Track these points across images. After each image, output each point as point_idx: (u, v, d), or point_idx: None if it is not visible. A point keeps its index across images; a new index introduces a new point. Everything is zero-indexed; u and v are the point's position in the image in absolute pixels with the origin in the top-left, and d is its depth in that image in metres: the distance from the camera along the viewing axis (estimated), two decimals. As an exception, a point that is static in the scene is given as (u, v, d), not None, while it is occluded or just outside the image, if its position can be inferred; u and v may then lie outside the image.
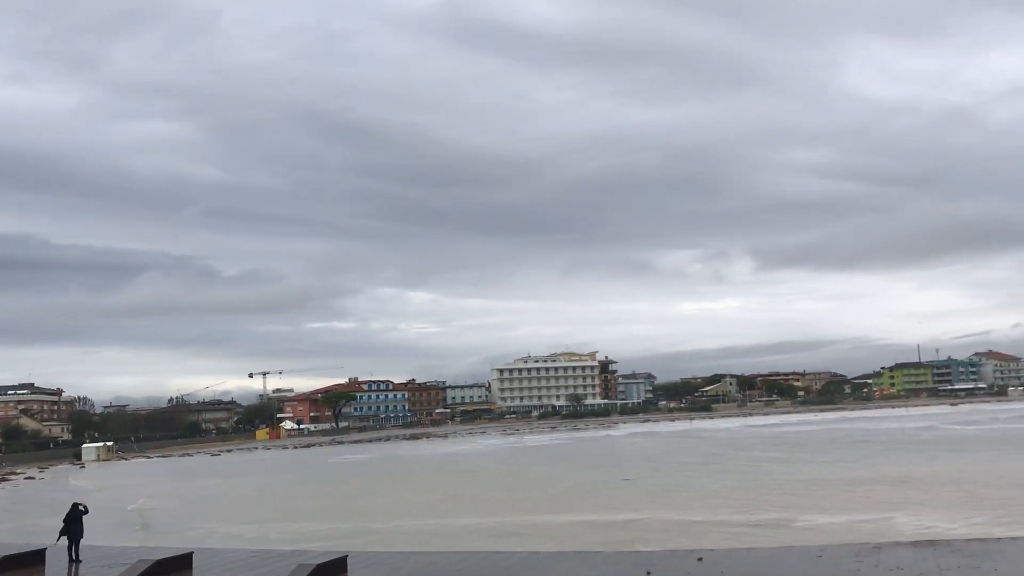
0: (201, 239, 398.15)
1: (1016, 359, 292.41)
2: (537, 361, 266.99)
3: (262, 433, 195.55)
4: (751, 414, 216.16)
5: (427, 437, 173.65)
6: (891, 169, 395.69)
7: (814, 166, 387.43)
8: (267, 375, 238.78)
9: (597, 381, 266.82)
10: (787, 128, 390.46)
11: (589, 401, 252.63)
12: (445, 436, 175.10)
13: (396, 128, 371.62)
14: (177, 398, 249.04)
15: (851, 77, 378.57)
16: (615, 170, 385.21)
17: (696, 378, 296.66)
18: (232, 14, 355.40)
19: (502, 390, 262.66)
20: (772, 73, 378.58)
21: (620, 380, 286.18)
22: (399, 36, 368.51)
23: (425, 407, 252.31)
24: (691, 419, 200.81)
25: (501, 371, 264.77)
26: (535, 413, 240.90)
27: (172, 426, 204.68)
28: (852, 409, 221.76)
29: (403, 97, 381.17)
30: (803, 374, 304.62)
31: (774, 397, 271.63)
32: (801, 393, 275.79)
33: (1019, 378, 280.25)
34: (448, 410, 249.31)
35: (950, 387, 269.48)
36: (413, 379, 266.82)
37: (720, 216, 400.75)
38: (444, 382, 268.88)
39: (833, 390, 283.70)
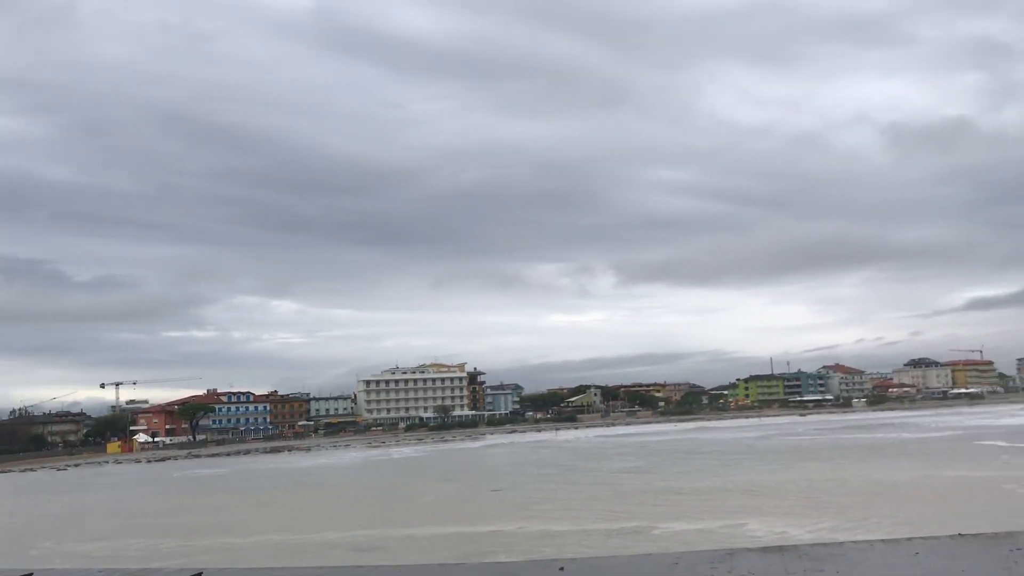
0: (50, 242, 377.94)
1: (860, 372, 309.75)
2: (405, 372, 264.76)
3: (114, 446, 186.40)
4: (614, 424, 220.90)
5: (289, 450, 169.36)
6: (747, 189, 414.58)
7: (677, 185, 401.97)
8: (120, 385, 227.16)
9: (465, 392, 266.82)
10: (653, 147, 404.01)
11: (457, 412, 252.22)
12: (308, 449, 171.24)
13: (262, 132, 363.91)
14: (20, 410, 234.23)
15: (712, 100, 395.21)
16: (486, 182, 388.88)
17: (562, 389, 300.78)
18: (90, 6, 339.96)
19: (368, 402, 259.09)
20: (641, 93, 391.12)
21: (488, 391, 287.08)
22: (267, 39, 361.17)
23: (288, 419, 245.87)
24: (556, 429, 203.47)
25: (367, 383, 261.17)
26: (402, 425, 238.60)
27: (13, 440, 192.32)
28: (709, 419, 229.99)
29: (270, 101, 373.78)
30: (664, 385, 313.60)
31: (636, 407, 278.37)
32: (662, 404, 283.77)
33: (862, 390, 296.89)
34: (312, 423, 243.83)
35: (799, 398, 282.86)
36: (275, 391, 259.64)
37: (587, 230, 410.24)
38: (308, 394, 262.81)
39: (692, 401, 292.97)
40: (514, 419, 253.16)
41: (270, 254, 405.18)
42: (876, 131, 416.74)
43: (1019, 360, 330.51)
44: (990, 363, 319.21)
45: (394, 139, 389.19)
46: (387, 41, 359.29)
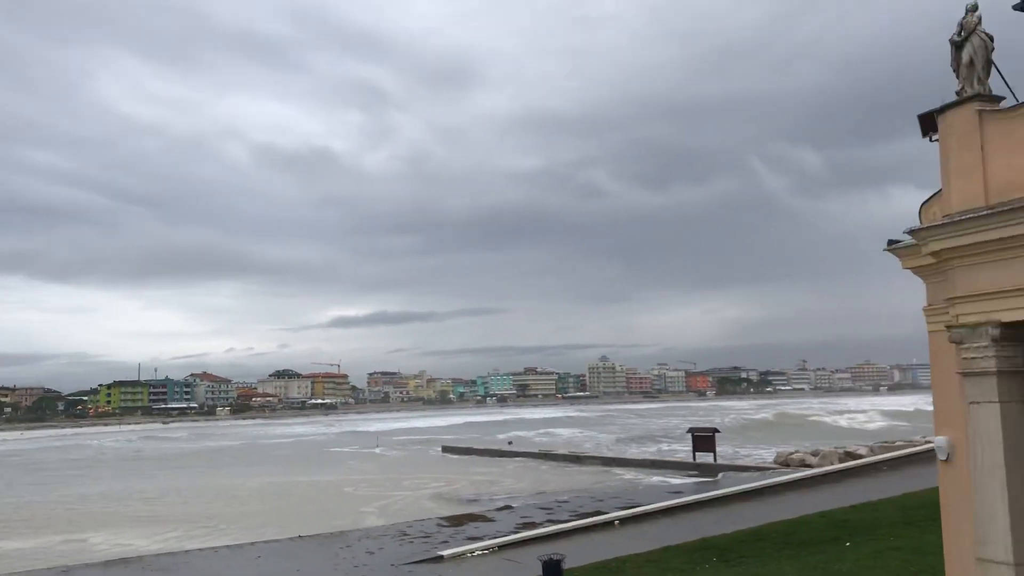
0: None
1: (227, 381, 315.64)
2: None
3: None
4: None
5: None
6: (128, 187, 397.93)
7: (50, 170, 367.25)
8: None
9: None
10: (30, 126, 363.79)
11: None
12: None
13: None
14: None
15: (103, 88, 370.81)
16: None
17: None
18: None
19: None
20: (25, 66, 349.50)
21: None
22: None
23: None
24: None
25: None
26: None
27: None
28: (64, 427, 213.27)
29: None
30: (13, 389, 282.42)
31: None
32: (8, 410, 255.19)
33: (227, 399, 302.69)
34: None
35: (164, 406, 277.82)
36: None
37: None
38: None
39: (46, 407, 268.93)
40: None
41: None
42: (252, 148, 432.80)
43: (370, 374, 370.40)
44: (345, 376, 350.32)
45: None
46: None
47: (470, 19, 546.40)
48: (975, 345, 10.71)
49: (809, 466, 42.46)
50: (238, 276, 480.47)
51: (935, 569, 12.56)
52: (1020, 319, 10.31)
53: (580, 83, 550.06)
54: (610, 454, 67.15)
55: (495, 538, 27.56)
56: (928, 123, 11.54)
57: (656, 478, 48.59)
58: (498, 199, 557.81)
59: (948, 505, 11.99)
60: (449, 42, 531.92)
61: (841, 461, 42.14)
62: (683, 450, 62.99)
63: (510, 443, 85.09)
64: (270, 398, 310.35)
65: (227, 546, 28.49)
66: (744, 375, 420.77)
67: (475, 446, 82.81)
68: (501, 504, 39.22)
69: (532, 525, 30.16)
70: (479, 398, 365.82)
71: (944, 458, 12.02)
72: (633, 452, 69.96)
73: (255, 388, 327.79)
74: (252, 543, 28.69)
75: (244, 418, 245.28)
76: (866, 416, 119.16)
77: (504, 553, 25.46)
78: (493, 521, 32.29)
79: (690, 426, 64.93)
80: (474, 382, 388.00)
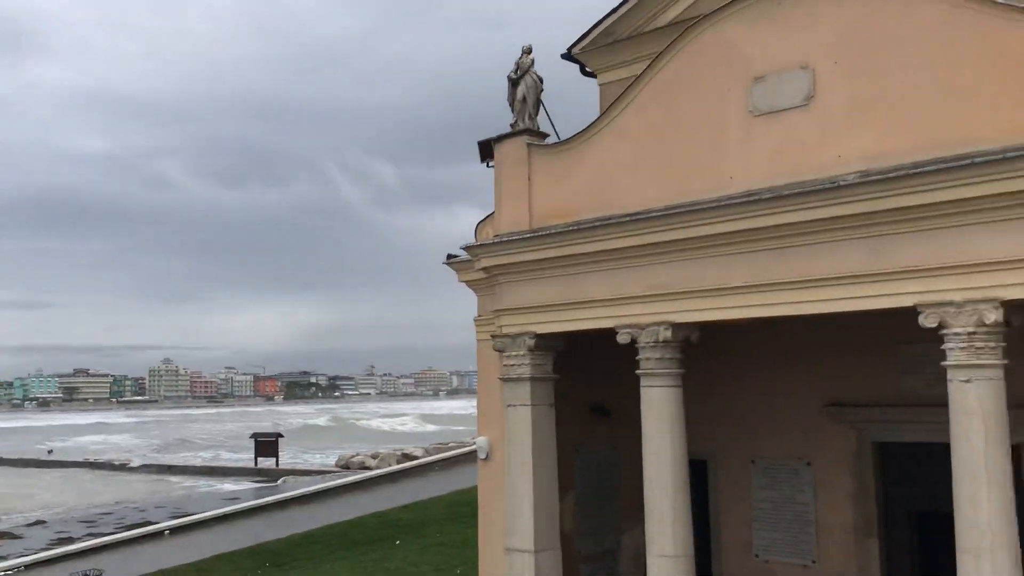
0: None
1: None
2: None
3: None
4: None
5: None
6: None
7: None
8: None
9: None
10: None
11: None
12: None
13: None
14: None
15: None
16: None
17: None
18: None
19: None
20: None
21: None
22: None
23: None
24: None
25: None
26: None
27: None
28: None
29: None
30: None
31: None
32: None
33: None
34: None
35: None
36: None
37: None
38: None
39: None
40: None
41: None
42: None
43: None
44: None
45: None
46: None
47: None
48: (514, 353, 11.83)
49: (369, 468, 43.87)
50: None
51: (473, 561, 13.62)
52: (551, 331, 11.60)
53: (158, 66, 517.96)
54: (166, 461, 63.82)
55: (21, 556, 24.72)
56: (486, 150, 12.56)
57: (216, 485, 47.00)
58: (53, 181, 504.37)
59: (485, 500, 13.07)
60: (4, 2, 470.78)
61: (399, 463, 44.11)
62: (246, 456, 61.62)
63: (50, 452, 77.86)
64: None
65: None
66: (314, 380, 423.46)
67: (5, 455, 73.82)
68: (34, 519, 35.30)
69: (69, 540, 27.53)
70: (16, 402, 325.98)
71: (484, 457, 13.10)
72: (191, 459, 67.02)
73: None
74: None
75: None
76: (414, 421, 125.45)
77: (33, 572, 22.93)
78: (21, 538, 29.00)
79: (254, 431, 63.83)
80: (11, 384, 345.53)
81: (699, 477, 12.99)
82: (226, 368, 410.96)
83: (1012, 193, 7.97)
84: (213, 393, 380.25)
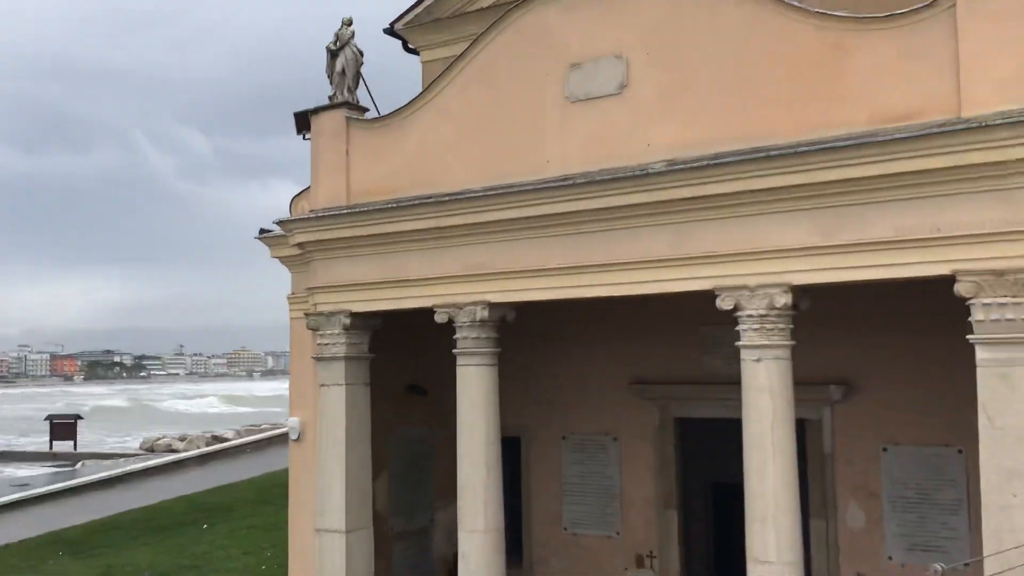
0: None
1: None
2: None
3: None
4: None
5: None
6: None
7: None
8: None
9: None
10: None
11: None
12: None
13: None
14: None
15: None
16: None
17: None
18: None
19: None
20: None
21: None
22: None
23: None
24: None
25: None
26: None
27: None
28: None
29: None
30: None
31: None
32: None
33: None
34: None
35: None
36: None
37: None
38: None
39: None
40: None
41: None
42: None
43: None
44: None
45: None
46: None
47: None
48: (329, 332, 11.61)
49: (176, 451, 42.02)
50: None
51: (284, 543, 13.32)
52: (367, 310, 11.46)
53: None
54: (-53, 446, 58.54)
55: None
56: (303, 122, 12.23)
57: (4, 470, 43.62)
58: None
59: (296, 481, 12.79)
60: None
61: (208, 445, 42.46)
62: (41, 440, 57.48)
63: None
64: None
65: None
66: (118, 359, 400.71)
67: None
68: None
69: None
70: None
71: (295, 438, 12.82)
72: (-23, 443, 61.84)
73: None
74: None
75: None
76: (223, 403, 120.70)
77: None
78: None
79: (50, 412, 59.66)
80: None
81: (513, 453, 13.28)
82: (19, 346, 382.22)
83: (802, 185, 8.55)
84: (4, 373, 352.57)
